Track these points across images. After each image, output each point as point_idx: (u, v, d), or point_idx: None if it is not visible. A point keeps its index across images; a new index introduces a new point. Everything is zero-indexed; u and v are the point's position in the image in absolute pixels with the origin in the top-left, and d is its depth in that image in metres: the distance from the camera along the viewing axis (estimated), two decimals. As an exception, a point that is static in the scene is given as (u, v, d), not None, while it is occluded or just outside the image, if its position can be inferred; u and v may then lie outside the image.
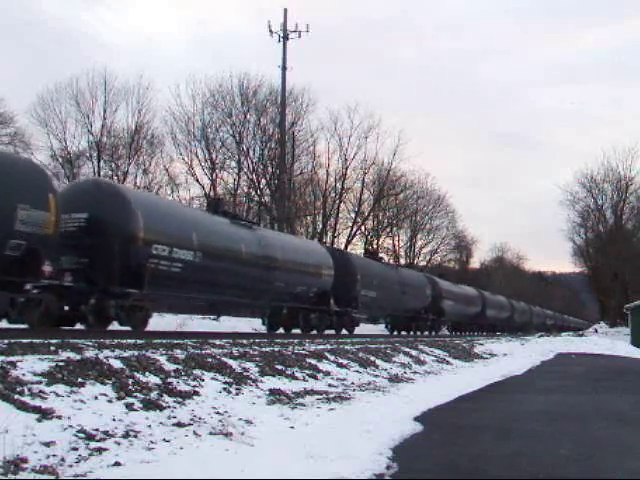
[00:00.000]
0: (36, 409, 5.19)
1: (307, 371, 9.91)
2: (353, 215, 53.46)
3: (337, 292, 22.70)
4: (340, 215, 52.30)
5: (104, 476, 4.17)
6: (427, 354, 16.39)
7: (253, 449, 5.29)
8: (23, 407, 5.15)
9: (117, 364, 7.03)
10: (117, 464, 4.43)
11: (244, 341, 12.01)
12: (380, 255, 36.32)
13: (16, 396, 5.32)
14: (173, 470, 4.40)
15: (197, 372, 7.79)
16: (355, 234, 53.64)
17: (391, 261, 54.27)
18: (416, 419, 7.17)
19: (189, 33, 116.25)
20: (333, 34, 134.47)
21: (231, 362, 8.83)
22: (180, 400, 6.61)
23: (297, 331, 21.27)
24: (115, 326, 13.94)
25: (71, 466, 4.28)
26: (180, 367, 7.77)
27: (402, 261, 58.60)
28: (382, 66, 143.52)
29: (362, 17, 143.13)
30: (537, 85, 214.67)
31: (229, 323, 25.57)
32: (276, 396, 7.87)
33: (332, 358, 11.55)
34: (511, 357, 20.91)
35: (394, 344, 16.82)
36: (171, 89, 59.10)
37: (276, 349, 10.99)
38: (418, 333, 32.92)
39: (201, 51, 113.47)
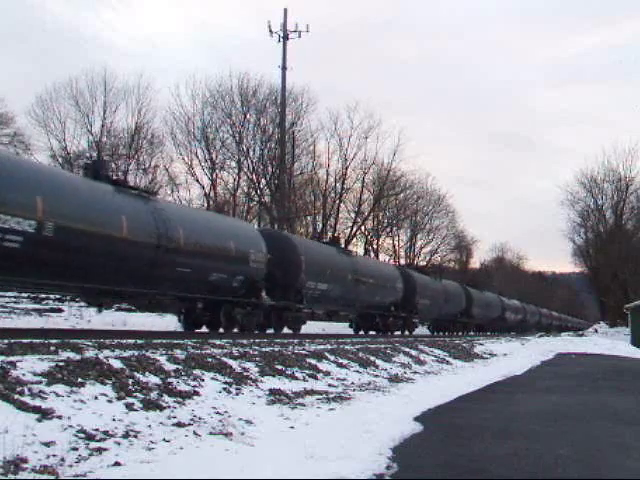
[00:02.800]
0: (36, 409, 5.19)
1: (307, 371, 9.91)
2: (353, 215, 53.50)
3: (404, 302, 29.38)
4: (340, 215, 52.36)
5: (104, 476, 4.17)
6: (427, 354, 16.39)
7: (253, 449, 5.29)
8: (23, 407, 5.15)
9: (117, 364, 7.03)
10: (117, 464, 4.43)
11: (244, 341, 12.00)
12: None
13: (16, 396, 5.32)
14: (173, 470, 4.41)
15: (197, 372, 7.79)
16: (355, 234, 53.67)
17: (390, 261, 54.45)
18: (416, 419, 7.17)
19: (189, 33, 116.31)
20: (333, 34, 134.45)
21: (231, 362, 8.83)
22: (180, 400, 6.61)
23: (372, 332, 27.80)
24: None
25: (71, 466, 4.28)
26: (180, 367, 7.76)
27: (402, 261, 58.60)
28: (382, 66, 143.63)
29: (362, 17, 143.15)
30: (537, 85, 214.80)
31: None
32: (276, 396, 7.87)
33: (332, 358, 11.55)
34: (511, 357, 20.91)
35: (394, 344, 16.82)
36: (171, 89, 59.38)
37: (276, 349, 10.99)
38: (455, 333, 39.35)
39: (201, 51, 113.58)
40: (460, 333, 40.37)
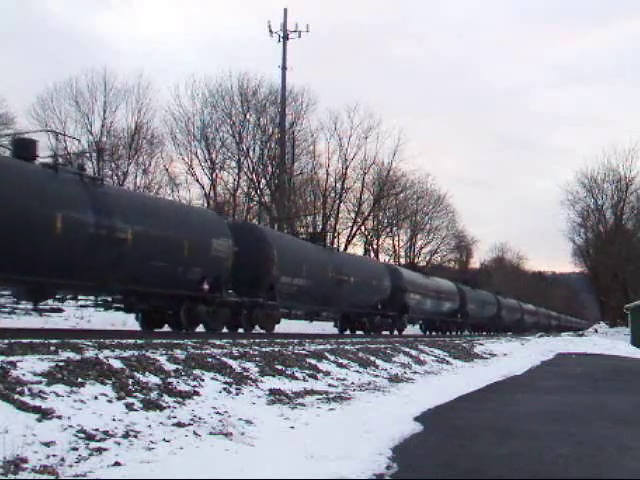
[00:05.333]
0: (36, 409, 5.18)
1: (307, 371, 9.91)
2: (353, 215, 53.47)
3: (459, 309, 38.93)
4: (340, 215, 52.32)
5: (104, 476, 4.17)
6: (427, 354, 16.39)
7: (253, 449, 5.29)
8: (23, 407, 5.15)
9: (117, 364, 7.03)
10: (117, 464, 4.43)
11: (244, 341, 12.00)
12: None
13: (16, 396, 5.31)
14: (173, 470, 4.40)
15: (197, 372, 7.79)
16: (355, 234, 53.66)
17: (391, 261, 54.51)
18: (416, 419, 7.17)
19: (189, 33, 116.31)
20: (333, 34, 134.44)
21: (231, 362, 8.83)
22: (180, 400, 6.61)
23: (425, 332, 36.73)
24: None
25: (71, 466, 4.28)
26: (180, 367, 7.76)
27: (402, 261, 58.59)
28: (382, 66, 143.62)
29: (362, 17, 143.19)
30: (537, 85, 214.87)
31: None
32: (276, 396, 7.87)
33: (332, 358, 11.54)
34: (511, 357, 20.91)
35: (394, 344, 16.81)
36: (171, 89, 59.27)
37: (276, 349, 10.98)
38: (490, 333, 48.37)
39: (201, 51, 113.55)
40: (492, 333, 48.64)
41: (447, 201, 64.31)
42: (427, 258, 64.64)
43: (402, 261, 58.48)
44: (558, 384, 11.96)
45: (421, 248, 64.30)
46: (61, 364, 6.46)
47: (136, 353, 7.91)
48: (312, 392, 8.58)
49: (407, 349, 16.00)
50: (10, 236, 11.09)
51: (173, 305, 15.46)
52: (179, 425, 5.76)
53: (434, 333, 36.41)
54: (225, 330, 17.10)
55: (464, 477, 4.68)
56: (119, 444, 4.90)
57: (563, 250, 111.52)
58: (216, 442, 5.36)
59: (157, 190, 43.85)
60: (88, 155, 42.24)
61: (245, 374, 8.50)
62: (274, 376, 8.93)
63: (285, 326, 27.54)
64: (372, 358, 12.99)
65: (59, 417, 5.17)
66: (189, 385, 7.23)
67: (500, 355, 21.30)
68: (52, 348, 7.36)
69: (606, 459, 5.35)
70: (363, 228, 55.46)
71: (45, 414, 5.14)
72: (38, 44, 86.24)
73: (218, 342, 11.01)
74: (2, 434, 4.44)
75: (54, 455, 4.41)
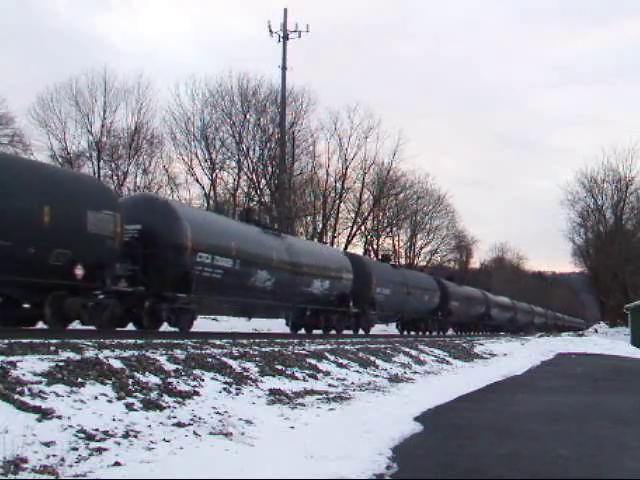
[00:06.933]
0: (36, 409, 5.18)
1: (307, 371, 9.91)
2: (353, 215, 53.45)
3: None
4: (340, 215, 52.29)
5: (104, 476, 4.17)
6: (427, 354, 16.39)
7: (253, 449, 5.29)
8: (23, 407, 5.15)
9: (117, 364, 7.03)
10: (117, 464, 4.43)
11: (244, 341, 12.00)
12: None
13: (16, 396, 5.31)
14: (173, 470, 4.40)
15: (197, 372, 7.79)
16: (355, 234, 53.66)
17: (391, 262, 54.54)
18: (416, 419, 7.17)
19: (189, 33, 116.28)
20: (333, 34, 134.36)
21: (231, 362, 8.83)
22: (180, 400, 6.61)
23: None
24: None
25: (71, 466, 4.28)
26: (180, 367, 7.76)
27: (402, 261, 58.59)
28: (382, 66, 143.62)
29: (362, 17, 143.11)
30: (537, 85, 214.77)
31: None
32: (276, 396, 7.87)
33: (332, 358, 11.55)
34: (511, 357, 20.90)
35: (394, 344, 16.82)
36: (171, 89, 59.40)
37: (276, 349, 10.99)
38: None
39: (201, 51, 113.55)
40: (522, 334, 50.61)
41: (447, 201, 64.38)
42: (427, 258, 64.70)
43: (402, 261, 58.53)
44: (558, 384, 11.95)
45: (421, 248, 64.34)
46: (61, 364, 6.46)
47: (136, 353, 7.91)
48: (312, 392, 8.58)
49: (407, 349, 16.00)
50: None
51: None
52: (179, 425, 5.76)
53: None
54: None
55: (464, 477, 4.68)
56: (119, 444, 4.90)
57: (563, 250, 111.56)
58: (216, 442, 5.36)
59: (157, 190, 43.80)
60: (88, 155, 42.29)
61: (245, 374, 8.50)
62: (274, 376, 8.93)
63: None
64: (372, 358, 12.99)
65: (59, 417, 5.17)
66: (189, 385, 7.23)
67: (500, 355, 21.30)
68: (52, 348, 7.36)
69: (606, 459, 5.35)
70: (363, 228, 55.50)
71: (45, 414, 5.14)
72: (38, 44, 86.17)
73: (218, 342, 11.02)
74: (2, 434, 4.44)
75: (54, 455, 4.41)
